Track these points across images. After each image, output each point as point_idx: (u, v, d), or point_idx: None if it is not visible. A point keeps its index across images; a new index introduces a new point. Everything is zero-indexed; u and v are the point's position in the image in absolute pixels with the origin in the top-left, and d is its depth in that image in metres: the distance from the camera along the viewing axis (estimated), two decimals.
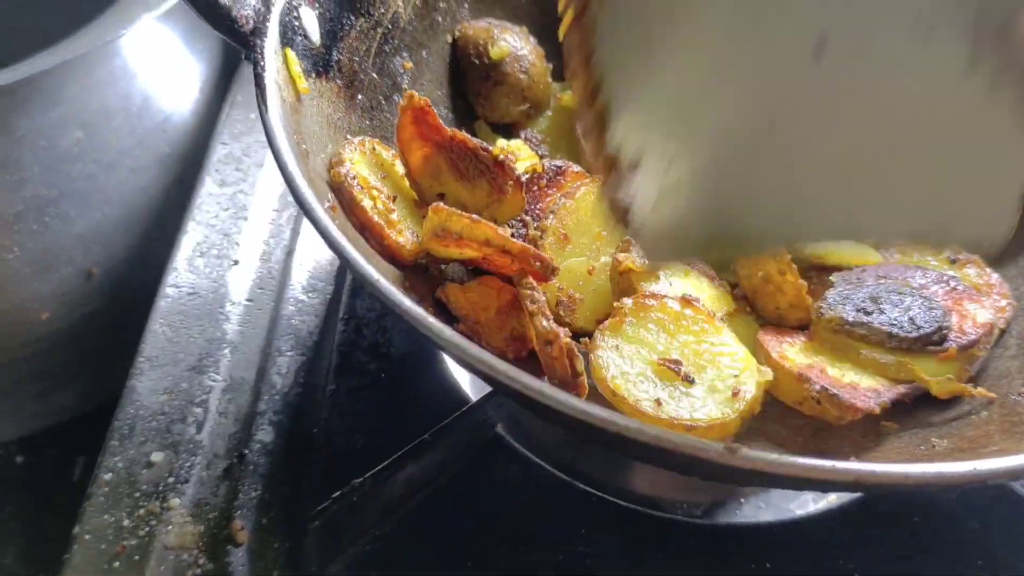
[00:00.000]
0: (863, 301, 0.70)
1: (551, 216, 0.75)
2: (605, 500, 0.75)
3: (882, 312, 0.69)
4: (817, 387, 0.66)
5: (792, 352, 0.71)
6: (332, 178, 0.67)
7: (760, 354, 0.71)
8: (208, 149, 1.03)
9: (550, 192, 0.77)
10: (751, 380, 0.66)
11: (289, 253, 0.93)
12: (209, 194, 0.97)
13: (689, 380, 0.64)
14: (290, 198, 0.99)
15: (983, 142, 0.44)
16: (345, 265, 0.56)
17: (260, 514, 0.74)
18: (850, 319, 0.69)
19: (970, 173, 0.45)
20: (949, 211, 0.47)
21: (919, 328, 0.68)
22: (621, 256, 0.72)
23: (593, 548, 0.71)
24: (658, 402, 0.63)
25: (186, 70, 1.10)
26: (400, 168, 0.75)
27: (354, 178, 0.67)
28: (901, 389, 0.68)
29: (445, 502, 0.73)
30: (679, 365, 0.65)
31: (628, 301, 0.69)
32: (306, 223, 0.96)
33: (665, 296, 0.71)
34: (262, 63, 0.64)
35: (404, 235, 0.69)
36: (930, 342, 0.69)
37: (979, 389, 0.69)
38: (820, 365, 0.69)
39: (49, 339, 1.03)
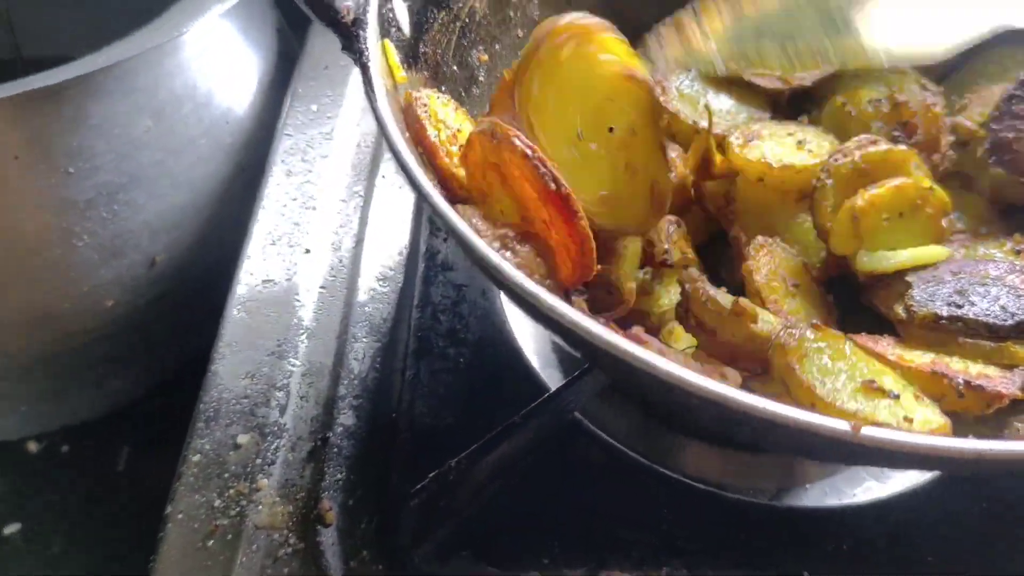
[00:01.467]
0: (951, 295, 0.69)
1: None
2: (683, 483, 0.77)
3: (973, 304, 0.68)
4: (960, 380, 0.63)
5: (898, 353, 0.68)
6: (404, 99, 0.68)
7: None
8: (273, 140, 1.04)
9: None
10: None
11: (359, 243, 0.94)
12: (277, 184, 0.99)
13: (895, 396, 0.61)
14: (355, 188, 1.01)
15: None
16: (470, 256, 0.57)
17: (347, 495, 0.75)
18: (944, 314, 0.68)
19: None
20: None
21: (1013, 315, 0.67)
22: (745, 304, 0.66)
23: (680, 528, 0.73)
24: (907, 419, 0.59)
25: (245, 65, 1.12)
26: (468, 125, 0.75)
27: (424, 105, 0.68)
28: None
29: (531, 483, 0.75)
30: (874, 383, 0.61)
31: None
32: (374, 213, 0.98)
33: (806, 327, 0.65)
34: (367, 52, 0.66)
35: (460, 169, 0.67)
36: None
37: None
38: (939, 360, 0.66)
39: (112, 326, 1.04)
